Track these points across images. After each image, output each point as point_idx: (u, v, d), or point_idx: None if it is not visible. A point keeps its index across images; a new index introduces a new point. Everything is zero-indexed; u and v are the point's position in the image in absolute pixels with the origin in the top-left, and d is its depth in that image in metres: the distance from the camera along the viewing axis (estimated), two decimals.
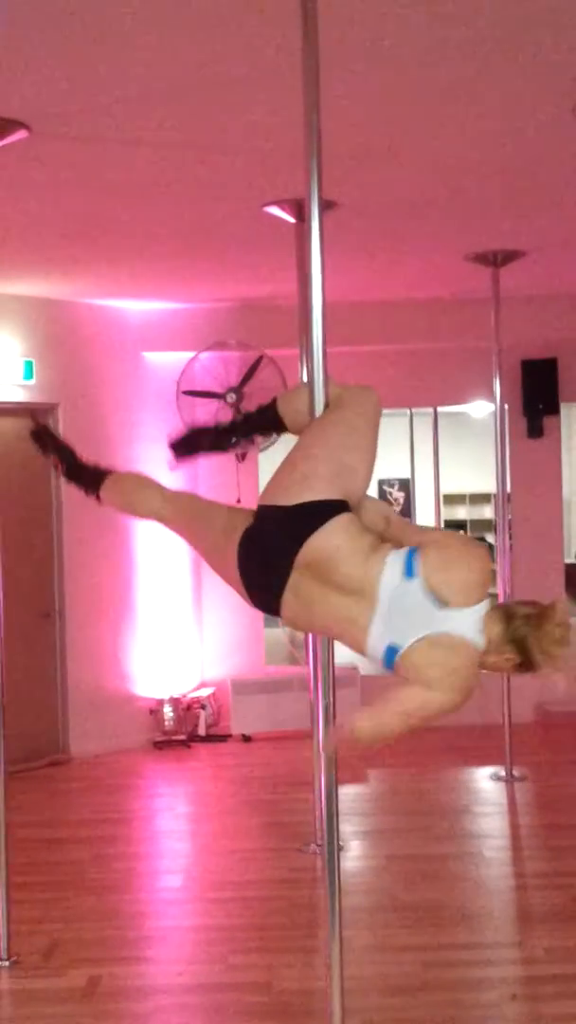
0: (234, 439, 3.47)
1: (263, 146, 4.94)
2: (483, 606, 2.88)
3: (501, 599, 7.64)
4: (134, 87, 4.26)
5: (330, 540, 2.97)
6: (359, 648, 2.96)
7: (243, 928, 5.08)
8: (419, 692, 2.87)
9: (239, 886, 5.61)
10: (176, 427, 3.63)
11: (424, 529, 3.16)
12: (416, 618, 2.86)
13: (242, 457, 8.62)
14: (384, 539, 3.02)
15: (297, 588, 3.00)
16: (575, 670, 2.86)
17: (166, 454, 3.54)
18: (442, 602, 2.85)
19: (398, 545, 2.98)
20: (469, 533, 16.15)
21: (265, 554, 3.06)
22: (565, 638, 2.83)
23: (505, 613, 2.89)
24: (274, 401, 3.39)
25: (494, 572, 2.99)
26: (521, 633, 2.85)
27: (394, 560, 2.93)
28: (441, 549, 2.94)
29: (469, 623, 2.85)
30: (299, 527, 3.00)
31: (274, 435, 3.51)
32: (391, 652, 2.88)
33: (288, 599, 3.03)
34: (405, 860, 5.90)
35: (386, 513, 3.17)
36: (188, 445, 3.51)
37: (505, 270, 7.25)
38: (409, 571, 2.90)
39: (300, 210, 5.63)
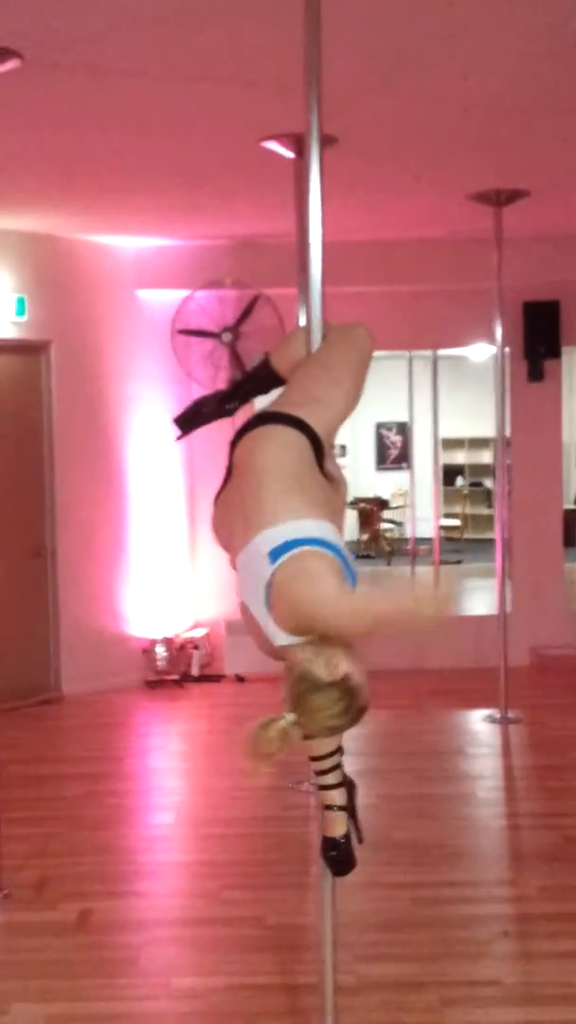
0: (235, 403, 3.48)
1: (262, 78, 4.84)
2: (292, 640, 2.79)
3: (499, 544, 7.62)
4: (130, 14, 4.17)
5: (265, 448, 2.96)
6: (231, 555, 2.98)
7: (235, 864, 5.10)
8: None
9: (231, 823, 5.63)
10: (177, 407, 3.64)
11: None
12: (251, 588, 2.85)
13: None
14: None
15: (227, 492, 3.05)
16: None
17: (171, 428, 3.57)
18: (268, 604, 2.80)
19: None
20: (467, 477, 16.14)
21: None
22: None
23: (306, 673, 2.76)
24: (267, 358, 3.40)
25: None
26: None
27: (283, 529, 2.81)
28: (303, 570, 2.74)
29: (272, 634, 2.82)
30: (241, 430, 3.05)
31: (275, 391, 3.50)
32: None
33: (217, 500, 3.08)
34: (399, 800, 5.92)
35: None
36: (192, 418, 3.52)
37: (508, 210, 7.15)
38: (273, 555, 2.78)
39: (299, 145, 5.53)
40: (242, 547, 2.89)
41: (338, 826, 3.32)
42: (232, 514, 3.00)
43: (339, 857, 3.33)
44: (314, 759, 3.36)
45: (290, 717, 2.77)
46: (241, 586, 2.92)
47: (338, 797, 3.34)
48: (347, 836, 3.35)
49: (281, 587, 2.75)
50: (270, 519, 2.84)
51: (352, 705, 2.73)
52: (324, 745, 3.35)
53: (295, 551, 2.76)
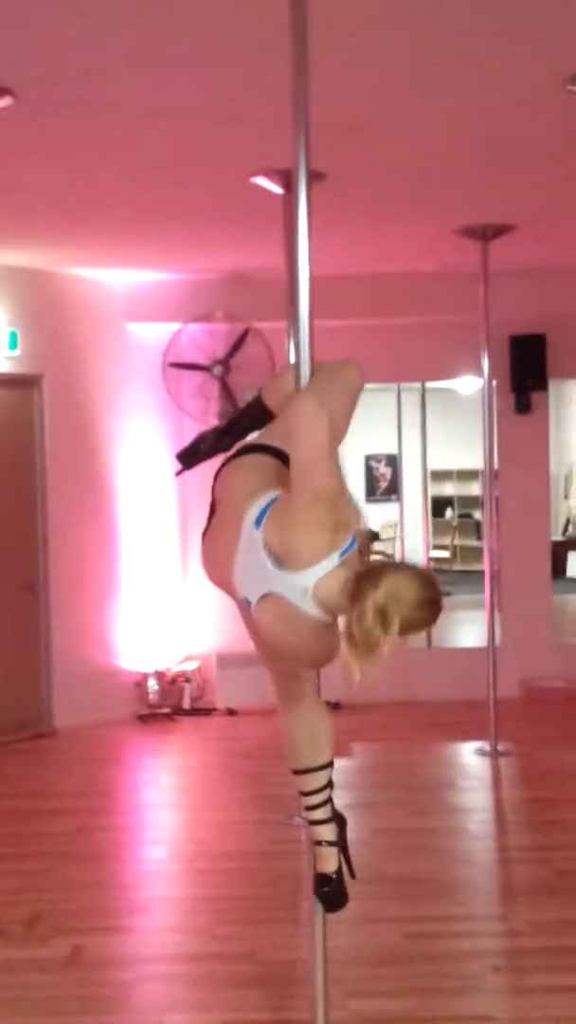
0: (231, 438, 3.55)
1: (250, 115, 4.89)
2: (318, 569, 2.74)
3: (488, 576, 7.64)
4: (121, 54, 4.22)
5: (233, 477, 3.04)
6: (236, 595, 2.96)
7: (227, 899, 5.08)
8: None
9: (223, 857, 5.61)
10: (169, 440, 3.72)
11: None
12: (256, 574, 2.83)
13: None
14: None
15: (211, 530, 3.08)
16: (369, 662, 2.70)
17: (173, 463, 3.66)
18: (275, 561, 2.79)
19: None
20: (456, 509, 16.18)
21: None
22: (372, 629, 2.66)
23: (355, 580, 2.71)
24: (259, 394, 3.44)
25: (361, 533, 2.82)
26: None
27: (259, 503, 2.88)
28: (286, 504, 2.80)
29: (296, 587, 2.75)
30: (222, 463, 3.13)
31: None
32: (248, 605, 2.88)
33: (203, 541, 3.10)
34: (389, 833, 5.92)
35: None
36: (192, 453, 3.59)
37: (494, 244, 7.22)
38: (258, 522, 2.85)
39: (288, 180, 5.58)
40: (233, 566, 2.90)
41: (329, 862, 3.31)
42: (219, 545, 3.02)
43: (331, 893, 3.32)
44: (304, 794, 3.36)
45: (380, 592, 2.66)
46: (248, 589, 2.87)
47: (328, 832, 3.33)
48: (339, 872, 3.35)
49: (276, 524, 2.78)
50: (248, 505, 2.89)
51: (427, 584, 2.71)
52: (313, 780, 3.35)
53: (274, 503, 2.83)
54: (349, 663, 2.71)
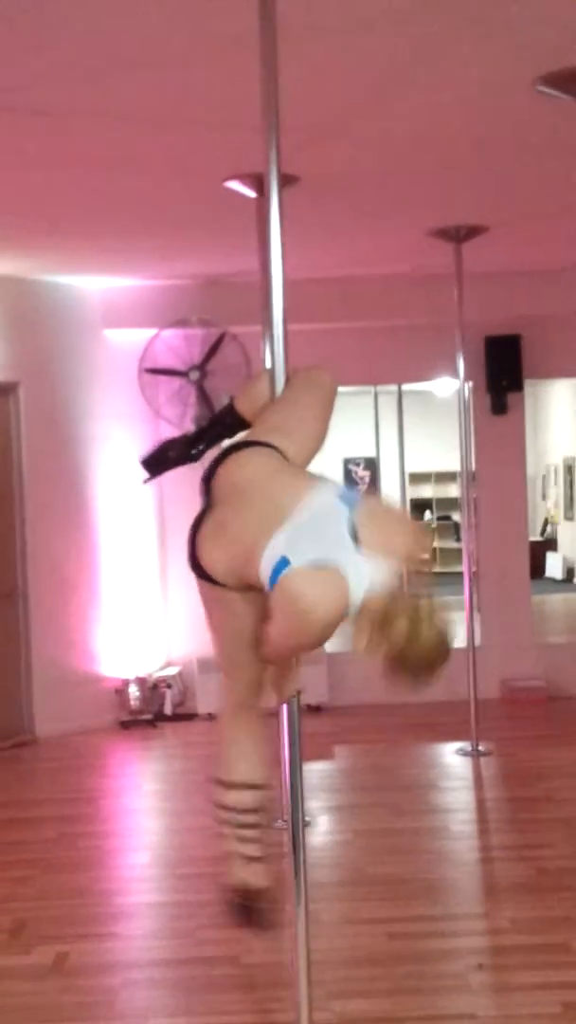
0: (202, 447, 3.52)
1: (222, 119, 4.89)
2: (387, 568, 2.79)
3: (467, 578, 7.66)
4: (91, 59, 4.21)
5: (248, 462, 3.04)
6: (254, 569, 2.85)
7: (211, 903, 5.05)
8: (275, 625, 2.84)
9: (207, 862, 5.60)
10: (146, 446, 3.65)
11: None
12: (324, 540, 2.79)
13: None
14: None
15: (213, 519, 3.03)
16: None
17: (139, 469, 3.58)
18: (359, 542, 2.79)
19: None
20: (435, 512, 16.23)
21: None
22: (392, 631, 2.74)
23: (393, 594, 2.79)
24: (232, 402, 3.44)
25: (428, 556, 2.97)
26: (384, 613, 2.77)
27: (329, 487, 2.94)
28: (387, 509, 3.01)
29: (364, 571, 2.76)
30: (217, 459, 3.10)
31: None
32: (282, 565, 2.77)
33: (204, 532, 3.02)
34: (371, 834, 5.93)
35: None
36: (159, 461, 3.54)
37: (468, 245, 7.24)
38: (348, 503, 2.87)
39: (260, 185, 5.58)
40: (264, 547, 2.83)
41: (258, 876, 3.28)
42: (233, 535, 2.95)
43: (259, 910, 3.28)
44: (232, 810, 3.28)
45: (423, 602, 2.79)
46: (298, 548, 2.82)
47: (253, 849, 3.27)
48: (269, 890, 3.27)
49: (373, 522, 2.88)
50: (307, 481, 2.98)
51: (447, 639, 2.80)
52: (246, 797, 3.26)
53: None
54: (361, 631, 2.77)
